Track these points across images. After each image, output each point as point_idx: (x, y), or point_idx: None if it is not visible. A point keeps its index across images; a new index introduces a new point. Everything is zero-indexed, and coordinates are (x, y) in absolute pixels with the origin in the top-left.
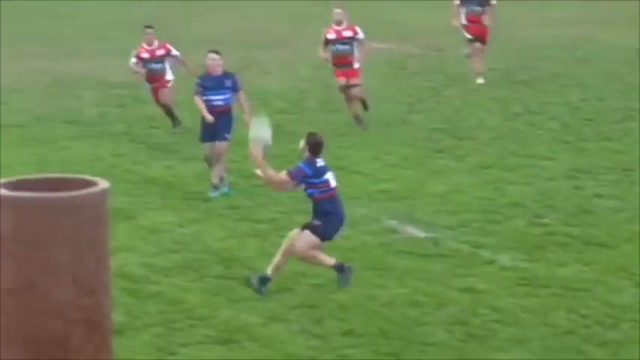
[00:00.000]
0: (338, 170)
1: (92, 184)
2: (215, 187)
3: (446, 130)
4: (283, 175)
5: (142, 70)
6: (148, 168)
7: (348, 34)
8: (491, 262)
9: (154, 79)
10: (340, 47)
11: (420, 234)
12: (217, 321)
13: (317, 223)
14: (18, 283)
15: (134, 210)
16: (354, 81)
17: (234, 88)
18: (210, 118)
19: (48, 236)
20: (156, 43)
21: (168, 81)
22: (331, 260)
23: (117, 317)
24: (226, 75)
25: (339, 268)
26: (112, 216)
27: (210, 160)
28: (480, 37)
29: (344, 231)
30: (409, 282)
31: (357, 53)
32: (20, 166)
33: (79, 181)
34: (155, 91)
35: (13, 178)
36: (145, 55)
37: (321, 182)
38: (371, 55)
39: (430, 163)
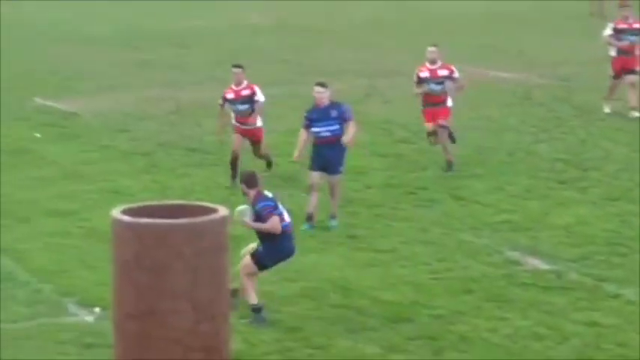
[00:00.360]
0: (458, 200)
1: (212, 211)
2: (333, 217)
3: (570, 160)
4: (270, 219)
5: (231, 113)
6: None
7: (443, 73)
8: (616, 296)
9: (241, 120)
10: (434, 87)
11: (543, 266)
12: (335, 350)
13: (260, 250)
14: (138, 308)
15: (254, 238)
16: (442, 121)
17: (342, 119)
18: (297, 155)
19: (168, 263)
20: (244, 83)
21: (258, 126)
22: (254, 299)
23: (234, 344)
24: (332, 105)
25: (256, 309)
26: (232, 243)
27: (312, 190)
28: (629, 69)
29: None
30: (531, 314)
31: (450, 91)
32: (142, 192)
33: (200, 208)
34: (240, 134)
35: (134, 205)
36: (230, 96)
37: (279, 214)
38: (495, 85)
39: (553, 194)
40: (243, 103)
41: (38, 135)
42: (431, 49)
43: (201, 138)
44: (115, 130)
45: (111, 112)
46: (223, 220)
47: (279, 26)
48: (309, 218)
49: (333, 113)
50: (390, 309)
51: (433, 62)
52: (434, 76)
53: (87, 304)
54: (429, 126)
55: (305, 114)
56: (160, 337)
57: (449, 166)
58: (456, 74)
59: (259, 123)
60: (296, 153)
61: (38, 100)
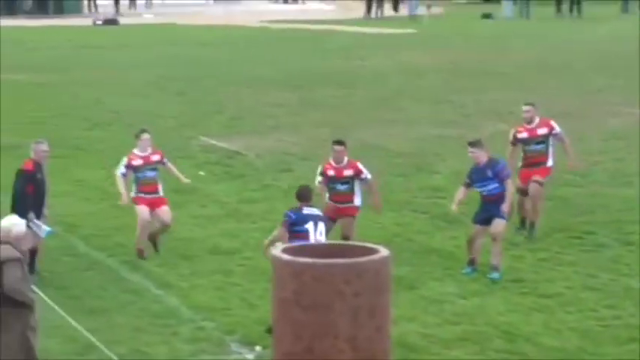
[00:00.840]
0: (627, 245)
1: (373, 251)
2: (495, 269)
3: None
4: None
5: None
6: (430, 238)
7: (542, 131)
8: None
9: (337, 199)
10: (535, 147)
11: None
12: None
13: None
14: (296, 346)
15: (416, 279)
16: (538, 177)
17: (499, 178)
18: (454, 208)
19: (328, 302)
20: (345, 161)
21: (356, 207)
22: None
23: None
24: (489, 164)
25: None
26: (394, 284)
27: (473, 242)
28: None
29: None
30: None
31: (551, 149)
32: None
33: (360, 248)
34: (332, 212)
35: (294, 244)
36: (331, 173)
37: (300, 231)
38: None
39: None
40: (343, 183)
41: (202, 173)
42: (526, 107)
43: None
44: (278, 169)
45: (274, 151)
46: (384, 261)
47: (444, 67)
48: (471, 262)
49: (489, 173)
50: (554, 355)
51: (530, 121)
52: (533, 135)
53: (248, 343)
54: (523, 186)
55: (467, 174)
56: None
57: (531, 229)
58: (557, 129)
59: (357, 201)
60: (453, 206)
61: (203, 139)
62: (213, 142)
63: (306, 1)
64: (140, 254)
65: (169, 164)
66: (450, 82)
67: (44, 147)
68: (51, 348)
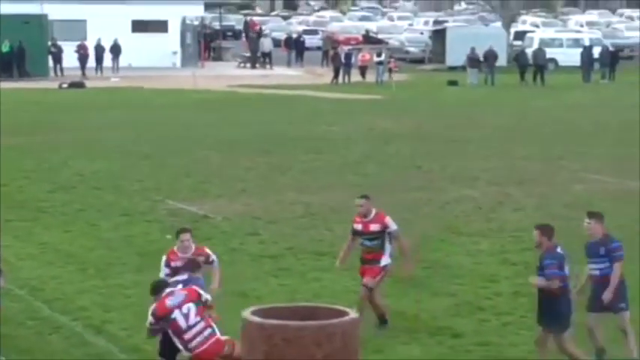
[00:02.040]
0: None
1: (342, 313)
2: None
3: None
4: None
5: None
6: (397, 301)
7: (375, 227)
8: None
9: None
10: (367, 242)
11: None
12: None
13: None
14: None
15: (382, 343)
16: (369, 280)
17: (610, 257)
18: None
19: None
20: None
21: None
22: None
23: None
24: (603, 240)
25: None
26: (361, 348)
27: (593, 333)
28: None
29: None
30: None
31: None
32: (270, 296)
33: (329, 311)
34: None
35: (264, 306)
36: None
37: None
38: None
39: None
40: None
41: (169, 237)
42: (358, 201)
43: (332, 242)
44: (245, 233)
45: (242, 215)
46: (354, 323)
47: (411, 133)
48: (600, 352)
49: (601, 250)
50: None
51: (365, 215)
52: (366, 230)
53: None
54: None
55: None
56: None
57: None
58: (392, 227)
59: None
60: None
61: (170, 202)
62: (180, 205)
63: (274, 67)
64: None
65: (216, 266)
66: (417, 147)
67: None
68: None
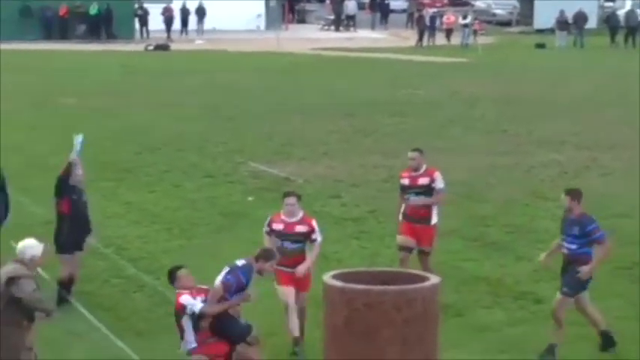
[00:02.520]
0: None
1: (423, 279)
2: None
3: None
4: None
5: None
6: (479, 265)
7: (424, 181)
8: None
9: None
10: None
11: None
12: None
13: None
14: None
15: (463, 307)
16: (426, 247)
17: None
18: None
19: (378, 329)
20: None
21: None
22: None
23: None
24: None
25: None
26: (442, 312)
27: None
28: None
29: None
30: None
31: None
32: (351, 259)
33: (410, 276)
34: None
35: (345, 270)
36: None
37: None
38: None
39: None
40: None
41: (251, 199)
42: (412, 154)
43: None
44: (327, 196)
45: (324, 178)
46: (434, 289)
47: (497, 97)
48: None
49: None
50: None
51: (416, 169)
52: (414, 184)
53: None
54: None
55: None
56: None
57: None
58: (439, 184)
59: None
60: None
61: (253, 165)
62: (263, 167)
63: (358, 30)
64: (297, 342)
65: (317, 246)
66: (503, 111)
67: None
68: None
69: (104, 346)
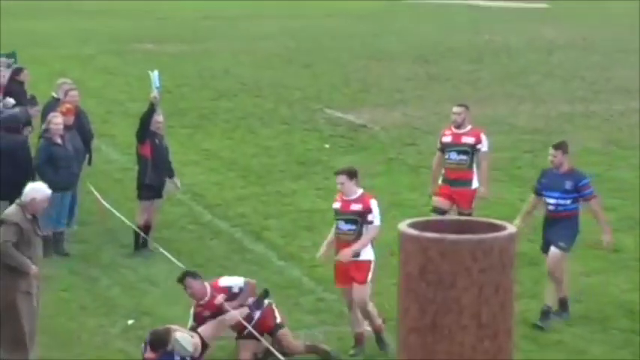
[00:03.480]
0: None
1: (500, 228)
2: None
3: None
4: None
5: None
6: None
7: (468, 140)
8: None
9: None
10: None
11: None
12: None
13: None
14: (422, 322)
15: (538, 256)
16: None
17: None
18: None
19: (454, 278)
20: (468, 126)
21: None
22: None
23: None
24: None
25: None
26: (518, 260)
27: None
28: None
29: None
30: None
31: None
32: (426, 206)
33: (487, 225)
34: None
35: (421, 219)
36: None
37: None
38: None
39: None
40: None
41: (327, 146)
42: (457, 109)
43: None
44: (403, 143)
45: (400, 125)
46: (511, 238)
47: (575, 44)
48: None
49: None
50: None
51: (459, 126)
52: (456, 141)
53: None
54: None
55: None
56: (442, 352)
57: None
58: (484, 146)
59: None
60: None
61: (329, 111)
62: (339, 114)
63: None
64: (358, 341)
65: (373, 228)
66: (581, 58)
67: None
68: (175, 315)
69: (180, 294)
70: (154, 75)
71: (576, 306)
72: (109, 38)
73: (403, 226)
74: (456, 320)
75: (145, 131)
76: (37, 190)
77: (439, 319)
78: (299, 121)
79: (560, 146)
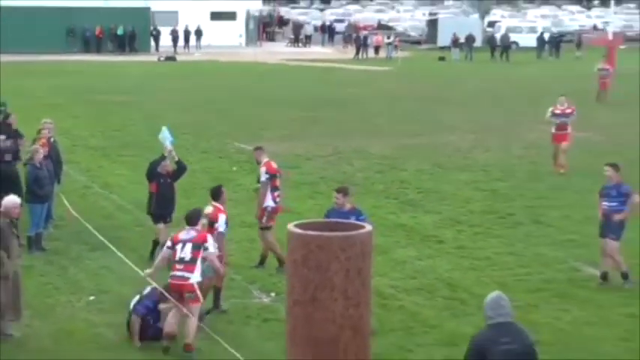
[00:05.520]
0: (537, 224)
1: (360, 227)
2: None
3: None
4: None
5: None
6: (398, 217)
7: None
8: None
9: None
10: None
11: (597, 272)
12: (444, 329)
13: None
14: (304, 296)
15: (387, 247)
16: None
17: (623, 197)
18: None
19: (328, 264)
20: (565, 106)
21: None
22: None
23: (372, 324)
24: (617, 185)
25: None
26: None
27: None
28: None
29: None
30: (587, 307)
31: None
32: (307, 212)
33: (351, 225)
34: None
35: (304, 221)
36: (557, 111)
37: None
38: None
39: None
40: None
41: (235, 168)
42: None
43: (353, 174)
44: (289, 167)
45: (287, 153)
46: (368, 234)
47: (413, 95)
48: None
49: (614, 192)
50: (483, 301)
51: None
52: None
53: (266, 290)
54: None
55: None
56: (319, 319)
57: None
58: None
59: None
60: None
61: (237, 144)
62: (244, 146)
63: (312, 46)
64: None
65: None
66: (416, 105)
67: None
68: (126, 293)
69: (129, 278)
70: (164, 132)
71: (412, 281)
72: (73, 91)
73: (291, 226)
74: (329, 295)
75: (151, 173)
76: (8, 200)
77: (317, 294)
78: (215, 150)
79: (343, 190)
